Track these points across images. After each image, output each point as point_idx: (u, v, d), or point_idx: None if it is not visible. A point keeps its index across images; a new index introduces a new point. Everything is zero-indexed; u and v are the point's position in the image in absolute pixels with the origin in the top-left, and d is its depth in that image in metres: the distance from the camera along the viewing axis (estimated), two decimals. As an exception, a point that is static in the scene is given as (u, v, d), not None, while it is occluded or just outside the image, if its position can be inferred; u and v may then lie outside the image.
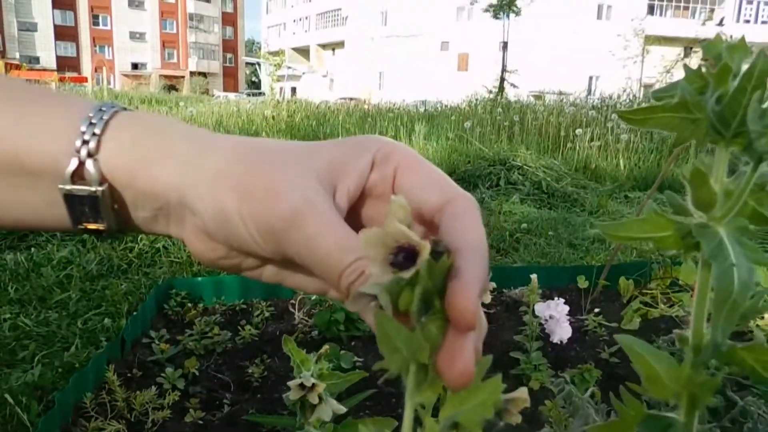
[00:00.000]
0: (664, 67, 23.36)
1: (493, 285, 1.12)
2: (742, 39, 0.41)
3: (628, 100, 10.19)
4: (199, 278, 2.59)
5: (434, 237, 0.31)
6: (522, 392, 0.38)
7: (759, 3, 38.31)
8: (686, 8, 38.34)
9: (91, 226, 0.37)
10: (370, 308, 0.30)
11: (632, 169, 6.90)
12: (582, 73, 33.26)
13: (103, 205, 0.36)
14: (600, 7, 36.45)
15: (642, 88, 22.31)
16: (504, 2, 22.64)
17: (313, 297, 2.25)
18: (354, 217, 0.37)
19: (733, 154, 0.40)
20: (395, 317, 0.31)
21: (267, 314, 2.31)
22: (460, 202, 0.33)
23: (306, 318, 2.29)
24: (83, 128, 0.35)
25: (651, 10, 37.11)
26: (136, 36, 54.67)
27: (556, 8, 33.54)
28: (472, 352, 0.29)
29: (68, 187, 0.35)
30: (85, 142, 0.35)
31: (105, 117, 0.36)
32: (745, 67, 0.39)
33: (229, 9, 60.67)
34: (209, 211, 0.34)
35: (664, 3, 37.98)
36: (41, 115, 0.36)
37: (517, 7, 22.92)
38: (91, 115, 0.36)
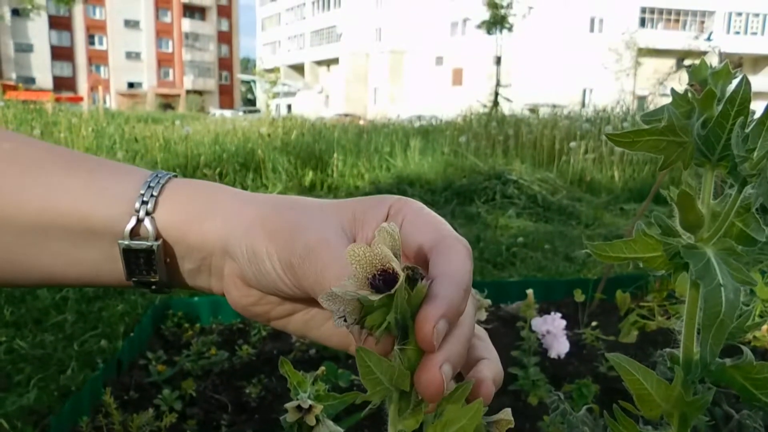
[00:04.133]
0: (657, 80, 23.56)
1: (489, 302, 1.12)
2: (726, 65, 0.42)
3: (621, 113, 10.25)
4: (196, 298, 2.58)
5: (410, 265, 0.32)
6: (506, 413, 0.38)
7: (748, 15, 38.77)
8: (677, 21, 38.75)
9: (144, 279, 0.41)
10: (340, 314, 0.31)
11: (627, 181, 6.93)
12: (576, 85, 33.49)
13: (157, 258, 0.40)
14: (592, 20, 36.82)
15: (635, 100, 22.47)
16: (496, 18, 22.85)
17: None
18: None
19: (718, 177, 0.41)
20: (359, 333, 0.32)
21: (264, 333, 2.30)
22: (448, 240, 0.36)
23: (303, 336, 2.29)
24: (142, 191, 0.40)
25: (642, 22, 37.51)
26: (132, 55, 54.95)
27: (548, 22, 33.87)
28: (437, 365, 0.30)
29: (127, 242, 0.40)
30: (144, 203, 0.40)
31: (162, 181, 0.41)
32: (729, 91, 0.40)
33: (225, 27, 61.08)
34: (244, 252, 0.38)
35: (655, 16, 38.40)
36: (106, 182, 0.41)
37: (509, 22, 23.13)
38: (149, 179, 0.41)
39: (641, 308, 2.47)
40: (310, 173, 6.50)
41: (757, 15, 38.76)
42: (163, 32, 56.15)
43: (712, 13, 38.55)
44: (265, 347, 2.24)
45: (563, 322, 1.76)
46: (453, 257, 0.34)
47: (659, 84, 23.88)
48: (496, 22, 22.94)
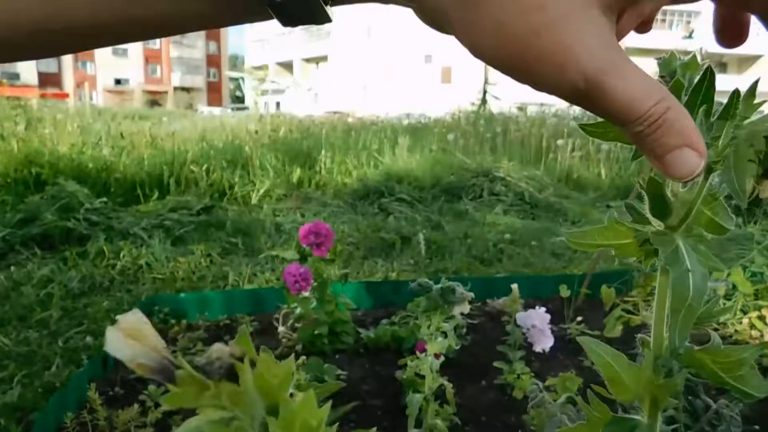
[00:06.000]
0: (644, 78, 23.72)
1: (472, 294, 1.14)
2: (694, 57, 0.43)
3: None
4: (182, 294, 2.58)
5: None
6: None
7: (734, 15, 39.12)
8: (663, 21, 39.07)
9: None
10: None
11: (613, 178, 6.98)
12: (563, 84, 33.64)
13: None
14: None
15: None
16: (485, 16, 22.90)
17: (297, 311, 2.22)
18: None
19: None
20: None
21: (251, 329, 2.30)
22: None
23: (290, 332, 2.29)
24: None
25: (629, 22, 37.75)
26: (119, 51, 54.49)
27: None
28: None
29: None
30: None
31: None
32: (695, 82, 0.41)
33: (213, 24, 60.66)
34: None
35: (642, 15, 38.66)
36: None
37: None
38: None
39: (626, 303, 2.49)
40: (298, 170, 6.48)
41: (742, 15, 39.14)
42: (150, 28, 55.69)
43: (698, 13, 38.87)
44: (252, 343, 2.24)
45: (548, 316, 1.77)
46: None
47: (646, 83, 24.00)
48: (485, 20, 22.99)
